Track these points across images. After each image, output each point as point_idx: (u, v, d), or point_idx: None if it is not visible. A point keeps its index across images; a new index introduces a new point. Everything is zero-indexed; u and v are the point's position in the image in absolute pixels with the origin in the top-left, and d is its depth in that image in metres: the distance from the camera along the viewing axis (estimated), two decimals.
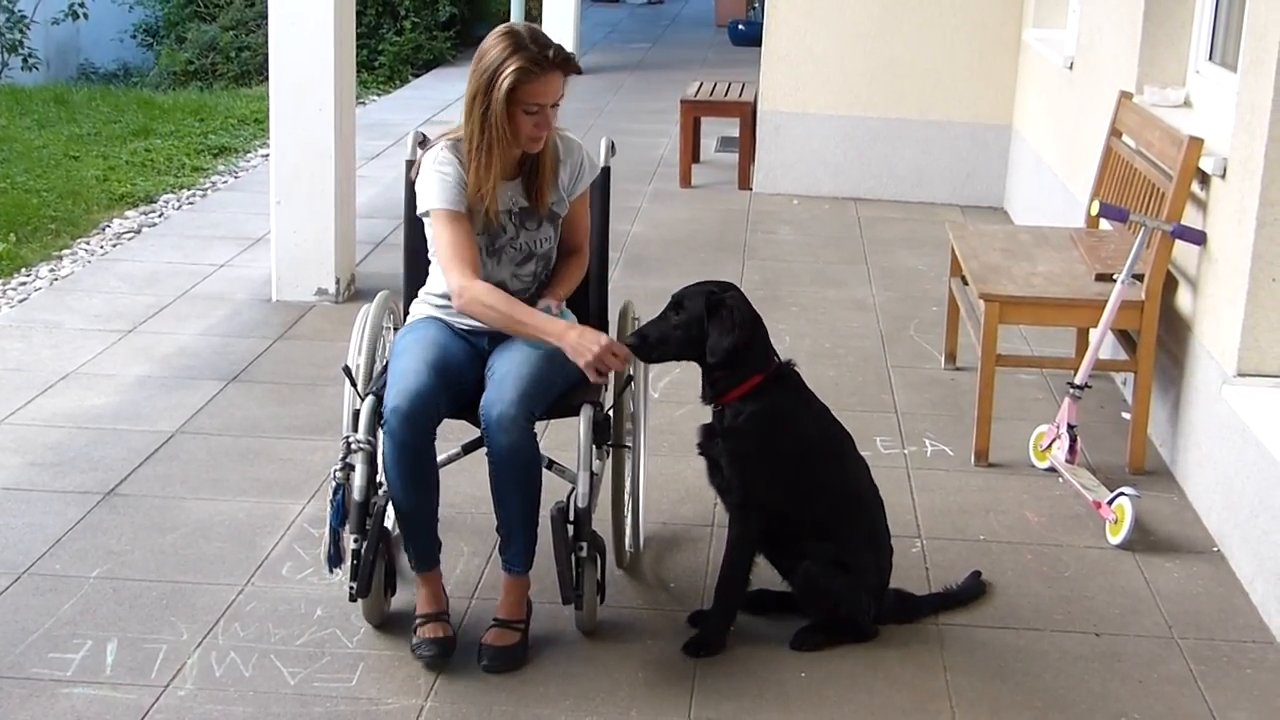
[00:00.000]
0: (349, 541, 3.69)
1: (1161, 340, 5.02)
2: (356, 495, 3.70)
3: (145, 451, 4.95)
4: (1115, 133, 5.88)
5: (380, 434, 3.76)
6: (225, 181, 9.26)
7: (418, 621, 3.77)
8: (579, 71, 3.85)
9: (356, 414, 3.82)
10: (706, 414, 3.86)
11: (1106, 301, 4.86)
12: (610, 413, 4.05)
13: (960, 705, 3.62)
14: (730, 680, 3.70)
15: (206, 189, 9.04)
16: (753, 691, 3.65)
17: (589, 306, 4.23)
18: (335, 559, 3.77)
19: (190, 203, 8.66)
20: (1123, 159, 5.71)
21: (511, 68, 3.72)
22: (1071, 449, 4.88)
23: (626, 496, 4.24)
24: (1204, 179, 4.91)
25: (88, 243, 7.68)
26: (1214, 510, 4.59)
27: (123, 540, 4.33)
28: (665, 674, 3.72)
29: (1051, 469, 4.98)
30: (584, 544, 3.72)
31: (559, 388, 3.88)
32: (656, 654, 3.81)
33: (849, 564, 3.82)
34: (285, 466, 4.88)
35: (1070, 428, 4.88)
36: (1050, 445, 4.98)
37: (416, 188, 3.92)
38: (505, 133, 3.77)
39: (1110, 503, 4.54)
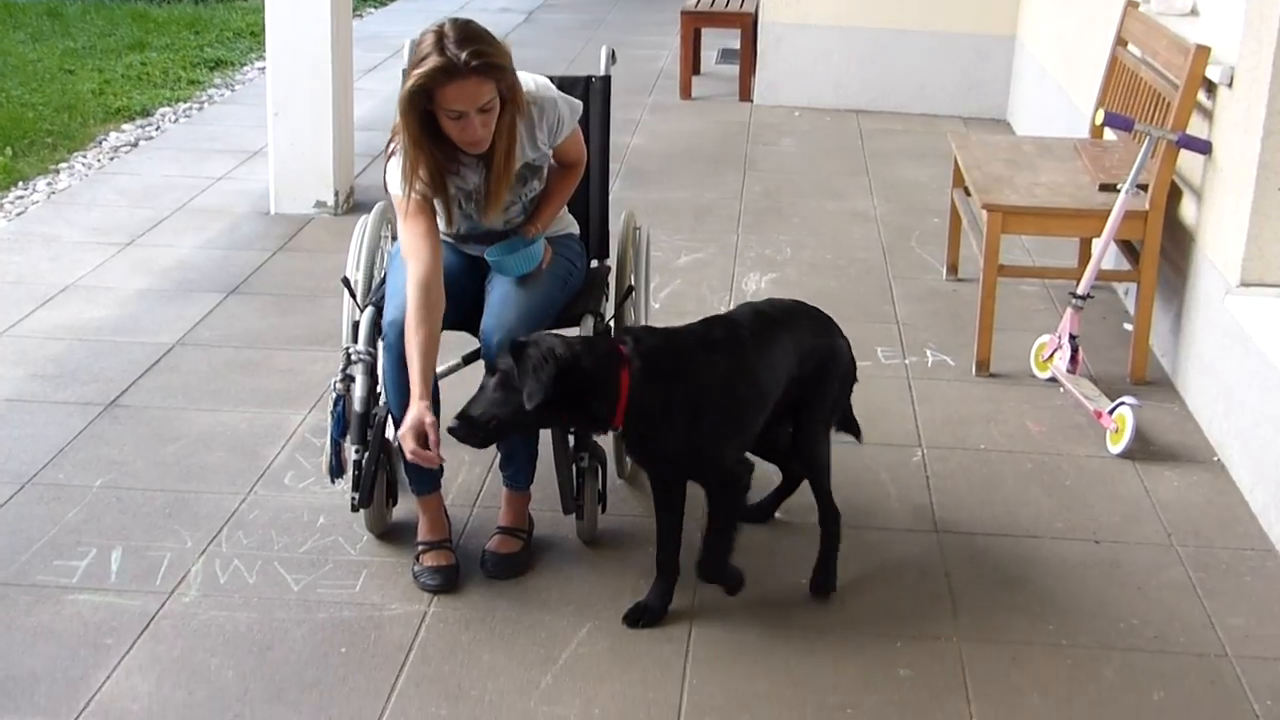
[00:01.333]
0: (350, 452, 3.70)
1: (1164, 250, 5.00)
2: (357, 406, 3.70)
3: (146, 363, 4.95)
4: (1121, 42, 5.82)
5: (380, 345, 3.75)
6: (222, 95, 9.20)
7: (420, 549, 3.77)
8: (501, 77, 3.50)
9: (356, 325, 3.82)
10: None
11: (1110, 211, 4.83)
12: (611, 323, 4.04)
13: (960, 611, 3.64)
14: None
15: (203, 102, 8.98)
16: (754, 595, 3.66)
17: (590, 218, 4.21)
18: (337, 470, 3.78)
19: (187, 116, 8.61)
20: (1128, 68, 5.65)
21: (422, 69, 3.44)
22: (1073, 359, 4.88)
23: None
24: (1210, 88, 4.87)
25: (84, 156, 7.64)
26: (1215, 420, 4.59)
27: (125, 450, 4.34)
28: None
29: (1053, 379, 4.99)
30: (585, 454, 3.73)
31: (559, 304, 3.86)
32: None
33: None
34: (286, 377, 4.88)
35: (1072, 338, 4.88)
36: (1052, 355, 4.98)
37: (387, 174, 3.72)
38: (420, 136, 3.53)
39: (1111, 412, 4.54)
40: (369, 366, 3.72)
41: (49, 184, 7.12)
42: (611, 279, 4.18)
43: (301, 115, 6.51)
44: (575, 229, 4.09)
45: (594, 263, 4.22)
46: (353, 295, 3.93)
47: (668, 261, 6.06)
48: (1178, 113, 4.86)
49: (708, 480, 3.48)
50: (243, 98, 9.06)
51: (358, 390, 3.71)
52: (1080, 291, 4.90)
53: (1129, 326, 5.30)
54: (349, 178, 6.78)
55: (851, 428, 3.96)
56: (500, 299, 3.71)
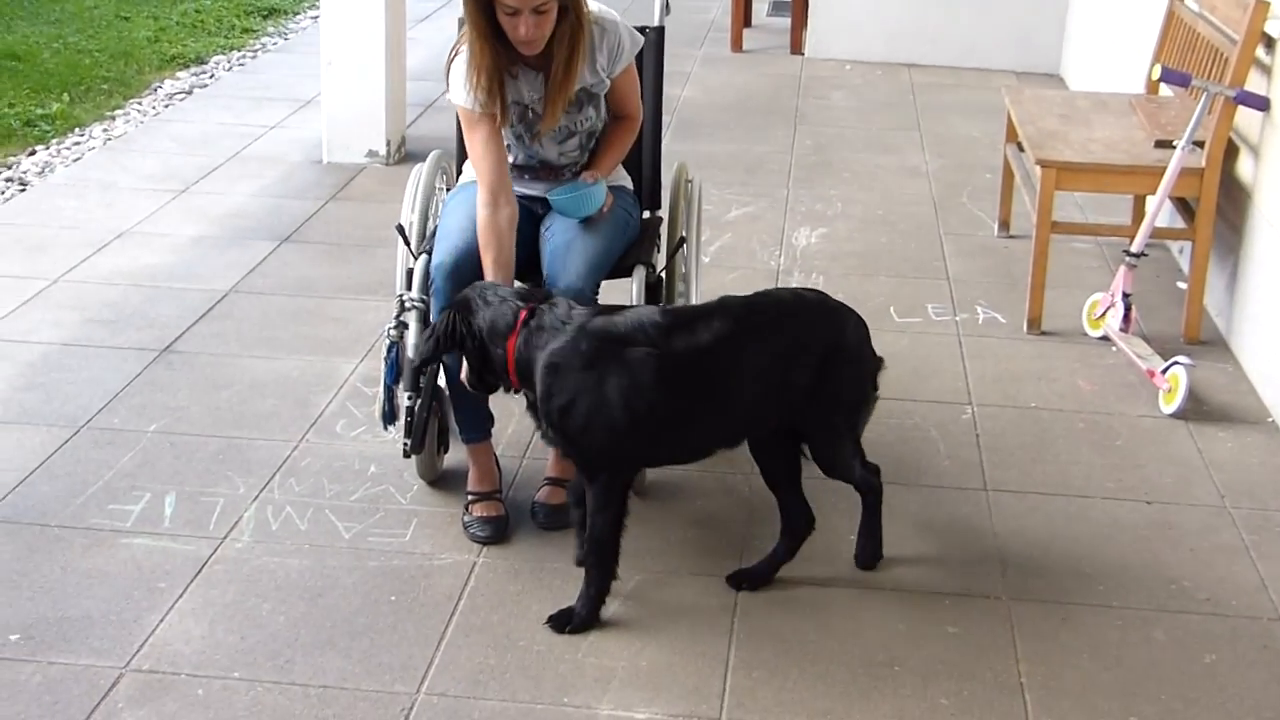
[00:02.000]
0: (403, 399, 3.73)
1: (1220, 208, 4.94)
2: (410, 353, 3.72)
3: (200, 309, 4.99)
4: None
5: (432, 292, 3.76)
6: (275, 43, 9.21)
7: (470, 499, 3.79)
8: None
9: (410, 273, 3.83)
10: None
11: (1165, 168, 4.78)
12: (663, 275, 4.04)
13: (1010, 570, 3.63)
14: (777, 541, 3.72)
15: (256, 50, 9.00)
16: (801, 551, 3.65)
17: (642, 169, 4.20)
18: (389, 416, 3.81)
19: (241, 64, 8.64)
20: (1185, 23, 5.58)
21: None
22: (1126, 317, 4.84)
23: None
24: (1269, 43, 4.80)
25: (140, 103, 7.69)
26: (1270, 381, 4.55)
27: (179, 396, 4.38)
28: (714, 532, 3.75)
29: (1105, 337, 4.95)
30: None
31: (618, 253, 3.85)
32: (705, 514, 3.84)
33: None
34: (338, 326, 4.91)
35: (1125, 296, 4.84)
36: (1104, 314, 4.94)
37: (449, 79, 3.73)
38: (485, 28, 3.55)
39: (1164, 371, 4.51)
40: (422, 314, 3.74)
41: (105, 130, 7.17)
42: (664, 230, 4.17)
43: (354, 65, 6.52)
44: (629, 182, 4.07)
45: (646, 214, 4.21)
46: (407, 242, 3.94)
47: (718, 215, 6.04)
48: (1236, 68, 4.80)
49: (578, 466, 3.40)
50: (295, 46, 9.08)
51: (411, 337, 3.74)
52: (1134, 249, 4.86)
53: (1183, 285, 5.25)
54: (401, 127, 6.79)
55: None
56: (564, 245, 3.71)
